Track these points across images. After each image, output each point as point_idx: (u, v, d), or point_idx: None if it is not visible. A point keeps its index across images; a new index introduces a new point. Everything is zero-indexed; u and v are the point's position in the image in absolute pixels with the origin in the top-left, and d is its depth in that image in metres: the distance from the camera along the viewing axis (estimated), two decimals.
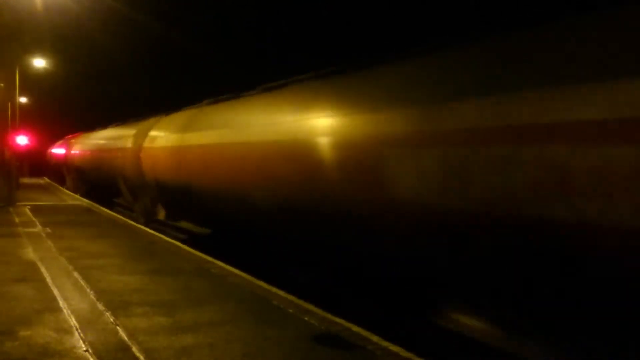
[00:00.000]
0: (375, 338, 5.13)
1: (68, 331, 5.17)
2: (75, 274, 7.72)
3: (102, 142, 21.57)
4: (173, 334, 5.16)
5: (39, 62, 25.46)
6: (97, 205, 19.62)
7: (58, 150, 38.35)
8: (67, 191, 27.95)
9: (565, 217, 4.04)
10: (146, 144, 14.57)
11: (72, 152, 28.74)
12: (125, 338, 5.00)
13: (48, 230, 12.44)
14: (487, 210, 4.66)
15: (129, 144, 16.43)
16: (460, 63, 5.52)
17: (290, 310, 6.04)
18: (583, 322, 4.58)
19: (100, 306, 6.07)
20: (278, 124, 8.13)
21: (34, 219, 14.74)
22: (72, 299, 6.37)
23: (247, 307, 6.20)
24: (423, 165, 5.31)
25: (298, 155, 7.40)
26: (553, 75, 4.34)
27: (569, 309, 4.60)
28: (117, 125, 21.34)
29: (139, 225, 13.97)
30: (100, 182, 21.83)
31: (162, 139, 13.49)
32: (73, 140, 31.05)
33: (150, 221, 14.93)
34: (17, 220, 14.40)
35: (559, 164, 4.06)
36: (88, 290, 6.82)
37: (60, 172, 35.87)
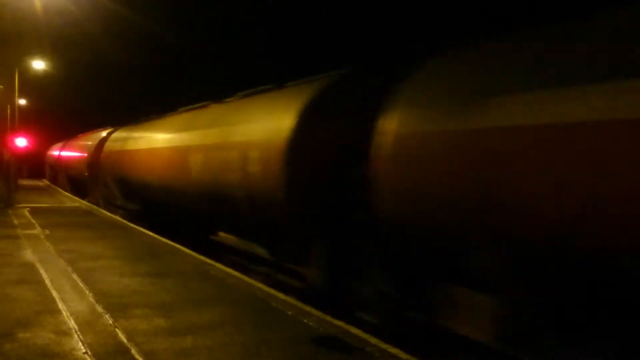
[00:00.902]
0: (374, 340, 5.14)
1: (67, 333, 5.17)
2: (75, 276, 7.72)
3: (187, 135, 11.70)
4: (172, 336, 5.16)
5: (39, 65, 25.46)
6: (96, 208, 19.61)
7: (71, 153, 29.69)
8: (67, 193, 27.93)
9: None
10: (414, 126, 5.71)
11: (111, 154, 18.80)
12: (124, 340, 5.00)
13: (47, 232, 12.44)
14: None
15: (281, 133, 7.71)
16: None
17: (289, 312, 6.05)
18: None
19: (100, 308, 6.07)
20: None
21: (33, 220, 14.73)
22: (71, 300, 6.38)
23: (246, 309, 6.21)
24: None
25: None
26: None
27: None
28: (208, 105, 12.31)
29: (138, 228, 13.95)
30: (180, 203, 12.23)
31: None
32: (104, 138, 21.21)
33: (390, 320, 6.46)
34: (16, 222, 14.39)
35: None
36: (87, 292, 6.82)
37: (79, 183, 26.89)
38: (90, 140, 24.72)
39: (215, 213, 10.49)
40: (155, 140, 13.83)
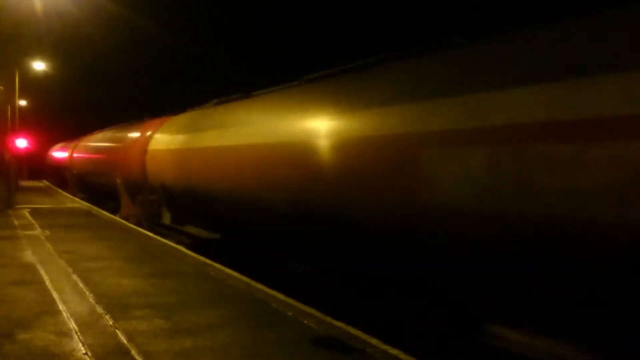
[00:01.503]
0: (374, 341, 5.13)
1: (67, 334, 5.17)
2: (75, 277, 7.72)
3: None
4: (172, 337, 5.16)
5: (39, 65, 25.48)
6: (96, 208, 19.58)
7: (89, 155, 23.81)
8: (67, 194, 27.92)
9: None
10: None
11: (166, 155, 13.39)
12: (125, 341, 5.00)
13: (47, 232, 12.43)
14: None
15: None
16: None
17: (290, 313, 6.05)
18: None
19: (100, 309, 6.07)
20: None
21: (33, 221, 14.73)
22: (71, 301, 6.37)
23: (247, 310, 6.20)
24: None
25: None
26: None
27: None
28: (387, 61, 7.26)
29: (139, 228, 13.93)
30: (351, 242, 6.97)
31: None
32: (146, 134, 15.68)
33: None
34: (16, 223, 14.39)
35: None
36: (87, 293, 6.82)
37: (105, 193, 20.72)
38: (120, 138, 19.25)
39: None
40: (276, 130, 8.31)
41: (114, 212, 17.86)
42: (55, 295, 6.68)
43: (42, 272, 8.07)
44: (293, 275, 8.18)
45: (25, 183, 35.49)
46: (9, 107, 21.87)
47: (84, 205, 21.28)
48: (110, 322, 5.56)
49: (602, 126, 3.99)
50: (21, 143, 26.48)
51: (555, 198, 4.25)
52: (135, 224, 14.98)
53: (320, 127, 7.28)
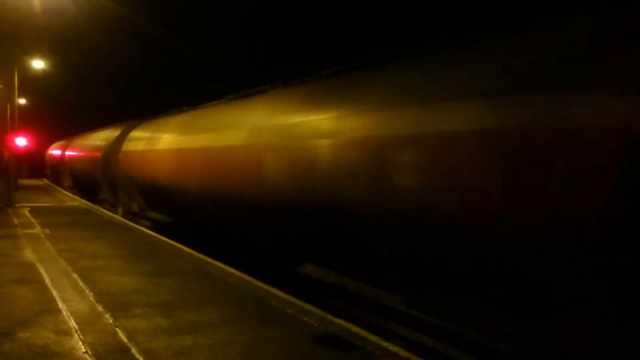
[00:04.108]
0: (374, 338, 5.13)
1: (67, 332, 5.16)
2: (75, 275, 7.72)
3: None
4: (172, 334, 5.15)
5: (38, 64, 25.40)
6: (96, 207, 19.59)
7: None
8: (66, 192, 27.91)
9: None
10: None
11: None
12: (125, 339, 4.99)
13: (47, 231, 12.43)
14: None
15: None
16: None
17: (290, 311, 6.04)
18: None
19: (100, 307, 6.06)
20: None
21: (33, 220, 14.72)
22: (71, 300, 6.37)
23: (247, 307, 6.20)
24: None
25: None
26: None
27: None
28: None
29: (138, 227, 13.94)
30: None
31: None
32: None
33: None
34: (16, 221, 14.38)
35: None
36: (87, 291, 6.81)
37: None
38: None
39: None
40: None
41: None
42: (55, 293, 6.67)
43: (41, 270, 8.07)
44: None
45: (25, 182, 35.47)
46: (9, 106, 21.82)
47: (84, 203, 21.28)
48: (110, 321, 5.56)
49: None
50: (21, 142, 26.44)
51: None
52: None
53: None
